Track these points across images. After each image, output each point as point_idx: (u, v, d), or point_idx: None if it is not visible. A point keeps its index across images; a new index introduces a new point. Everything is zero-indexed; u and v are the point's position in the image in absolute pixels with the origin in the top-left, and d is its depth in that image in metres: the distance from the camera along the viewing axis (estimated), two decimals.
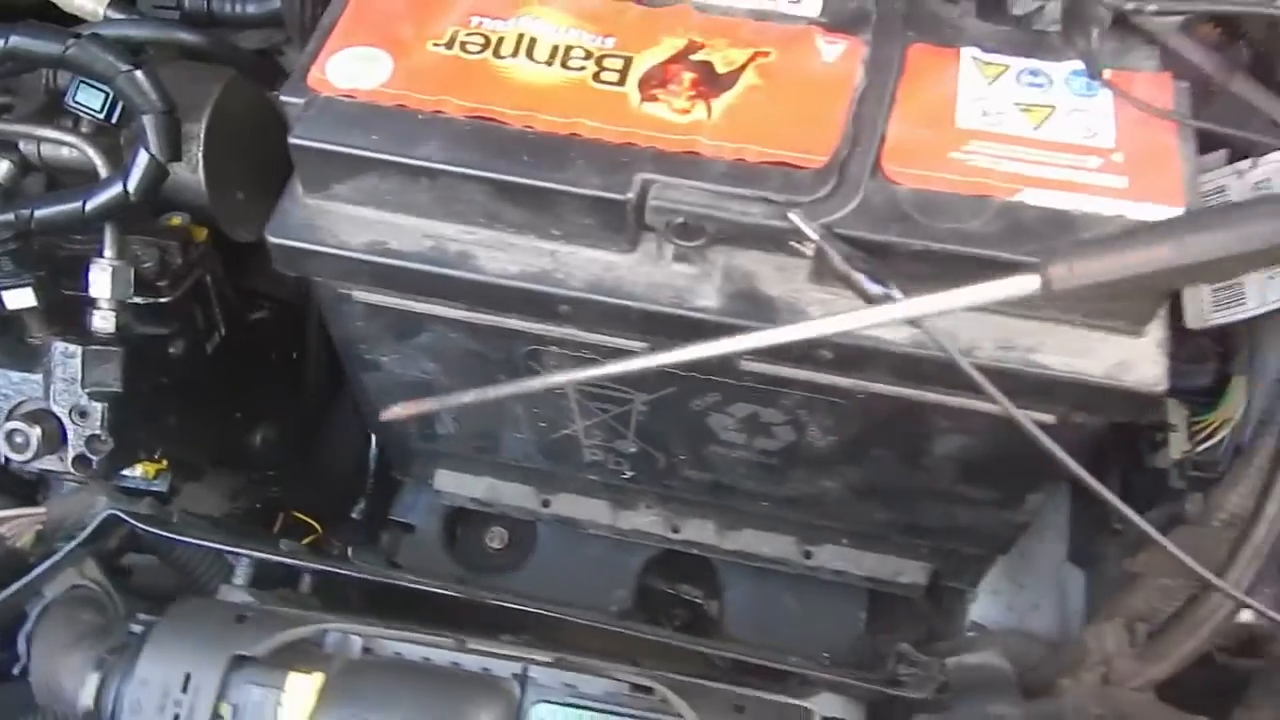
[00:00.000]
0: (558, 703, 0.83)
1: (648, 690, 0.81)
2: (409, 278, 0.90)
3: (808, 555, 1.23)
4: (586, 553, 1.36)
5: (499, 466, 1.23)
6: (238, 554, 0.95)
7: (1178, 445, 1.14)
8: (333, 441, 1.48)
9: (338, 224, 0.90)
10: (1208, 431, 1.13)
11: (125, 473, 1.15)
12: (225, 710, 0.79)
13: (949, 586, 1.29)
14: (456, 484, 1.27)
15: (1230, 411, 1.11)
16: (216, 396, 1.28)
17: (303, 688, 0.79)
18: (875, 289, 0.80)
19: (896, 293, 0.79)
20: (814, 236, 0.82)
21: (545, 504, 1.26)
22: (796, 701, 0.83)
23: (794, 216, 0.82)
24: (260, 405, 1.37)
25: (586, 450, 1.13)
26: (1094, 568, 1.29)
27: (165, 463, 1.19)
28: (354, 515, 1.42)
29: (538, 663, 0.83)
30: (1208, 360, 1.14)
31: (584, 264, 0.89)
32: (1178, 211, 0.82)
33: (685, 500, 1.21)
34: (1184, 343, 0.99)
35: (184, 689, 0.79)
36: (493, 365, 1.01)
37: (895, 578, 1.22)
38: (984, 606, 1.35)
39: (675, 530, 1.25)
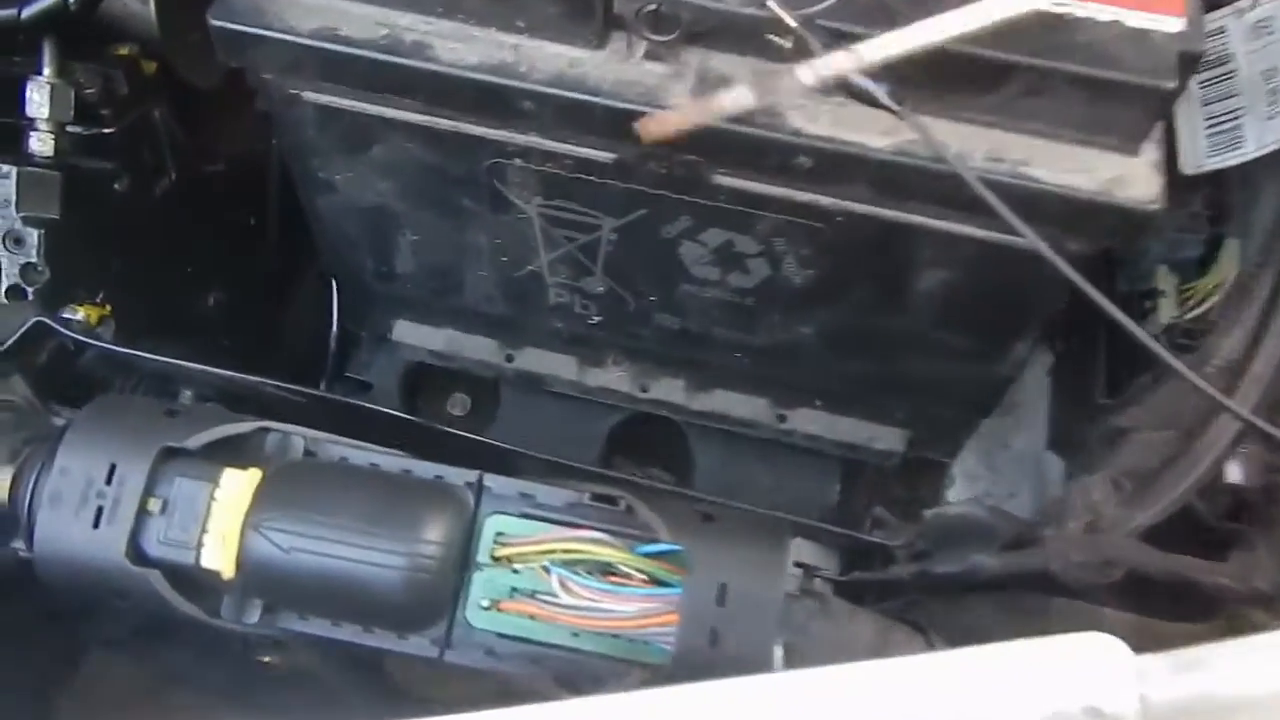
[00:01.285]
0: (513, 514, 0.78)
1: (612, 501, 0.76)
2: (361, 69, 0.83)
3: (781, 419, 1.18)
4: (551, 417, 1.30)
5: (461, 315, 1.18)
6: (182, 369, 0.89)
7: (1166, 311, 1.10)
8: (296, 315, 1.42)
9: (285, 8, 0.84)
10: (1197, 298, 1.09)
11: (66, 316, 1.09)
12: (153, 504, 0.73)
13: (926, 462, 1.25)
14: (416, 335, 1.21)
15: (1221, 276, 1.06)
16: (165, 247, 1.23)
17: (238, 483, 0.74)
18: (861, 83, 0.75)
19: (881, 86, 0.74)
20: (793, 25, 0.76)
21: (509, 359, 1.21)
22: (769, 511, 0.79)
23: (773, 4, 0.76)
24: (214, 266, 1.31)
25: (552, 291, 1.07)
26: (1074, 456, 1.25)
27: (109, 308, 1.14)
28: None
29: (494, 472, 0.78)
30: (1199, 229, 1.10)
31: (548, 59, 0.82)
32: (1178, 24, 0.77)
33: (654, 355, 1.16)
34: (1173, 210, 0.94)
35: (108, 480, 0.73)
36: (453, 184, 0.95)
37: (870, 443, 1.18)
38: (960, 492, 1.31)
39: (643, 390, 1.20)
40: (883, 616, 0.77)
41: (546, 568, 0.75)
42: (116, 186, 1.14)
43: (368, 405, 0.92)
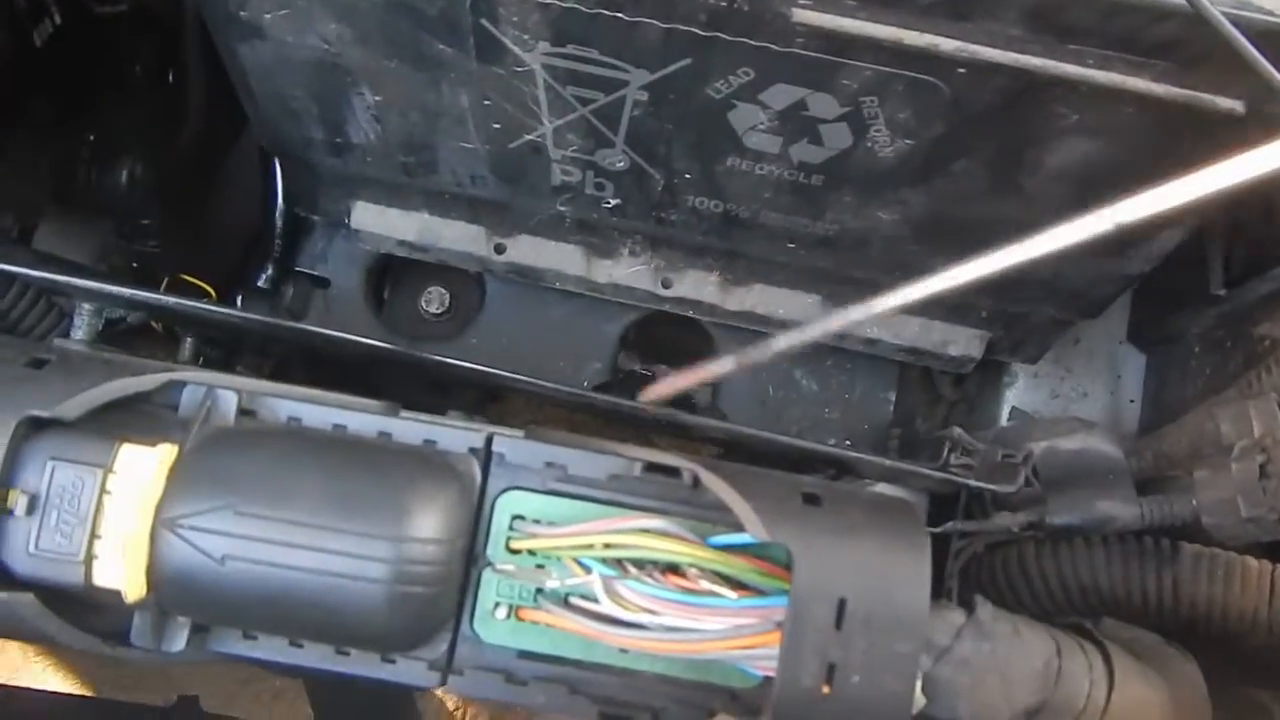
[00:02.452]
0: (536, 490, 0.56)
1: (672, 473, 0.55)
2: None
3: None
4: (549, 319, 1.08)
5: (436, 197, 0.93)
6: (73, 288, 0.64)
7: None
8: (231, 187, 1.16)
9: None
10: None
11: None
12: (16, 500, 0.51)
13: (991, 364, 1.05)
14: (380, 222, 0.97)
15: None
16: (55, 110, 0.99)
17: (142, 464, 0.51)
18: None
19: None
20: None
21: (498, 250, 0.97)
22: (891, 490, 0.58)
23: None
24: (122, 133, 1.07)
25: (557, 167, 0.84)
26: (1161, 350, 1.06)
27: None
28: (261, 284, 1.12)
29: (507, 435, 0.56)
30: None
31: None
32: None
33: (683, 244, 0.93)
34: None
35: None
36: (426, 25, 0.70)
37: (942, 349, 0.97)
38: (1024, 394, 1.11)
39: (666, 285, 0.97)
40: (1050, 629, 0.57)
41: (584, 564, 0.55)
42: None
43: (320, 330, 0.69)
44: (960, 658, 0.51)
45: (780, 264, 0.93)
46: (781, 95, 0.70)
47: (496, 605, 0.56)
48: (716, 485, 0.53)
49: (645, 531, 0.54)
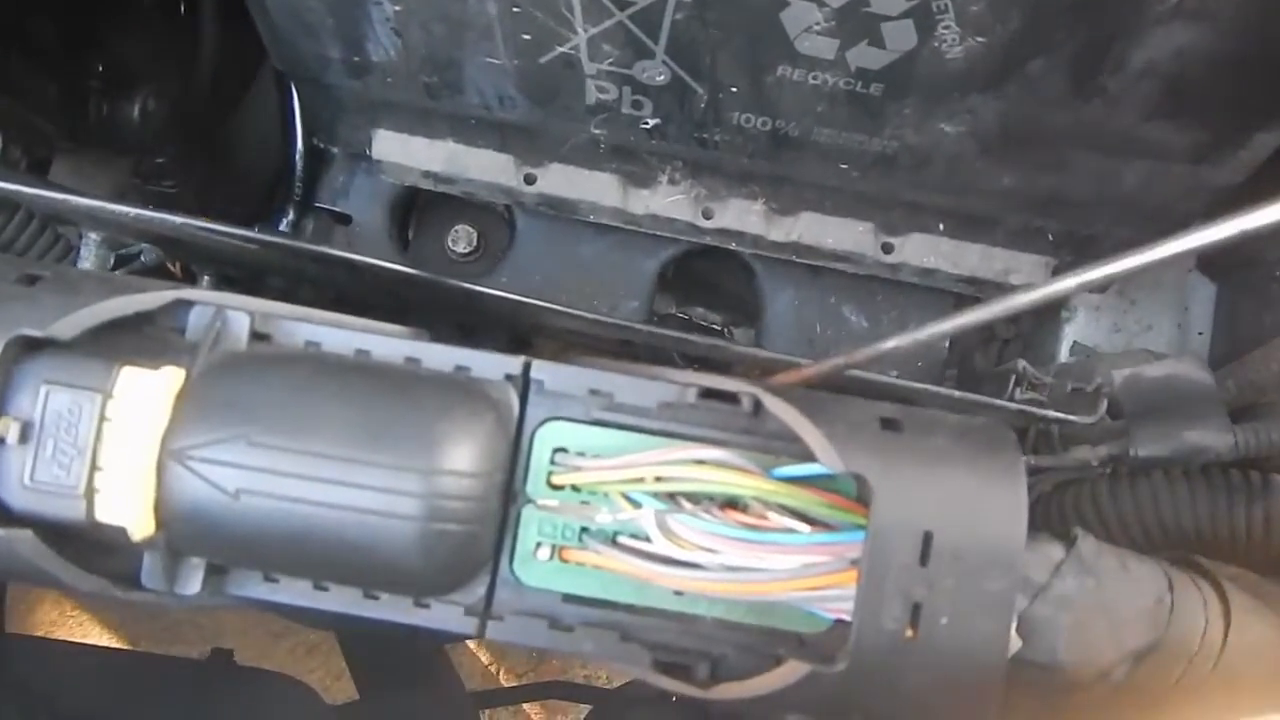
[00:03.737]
0: (579, 420, 0.51)
1: (730, 399, 0.49)
2: None
3: (887, 249, 0.91)
4: (582, 256, 1.02)
5: (462, 122, 0.88)
6: (79, 212, 0.59)
7: None
8: (249, 124, 1.11)
9: None
10: None
11: None
12: (8, 428, 0.46)
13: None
14: (403, 151, 0.92)
15: None
16: (60, 39, 0.95)
17: (146, 389, 0.46)
18: None
19: None
20: None
21: (529, 180, 0.91)
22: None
23: None
24: (135, 65, 1.02)
25: (591, 83, 0.78)
26: (1236, 277, 0.99)
27: None
28: (282, 228, 1.07)
29: (546, 361, 0.51)
30: None
31: None
32: None
33: (726, 170, 0.87)
34: None
35: None
36: None
37: (1004, 278, 0.91)
38: (1083, 328, 1.05)
39: (707, 216, 0.91)
40: (1160, 563, 0.51)
41: (634, 500, 0.49)
42: None
43: (343, 254, 0.64)
44: (1060, 595, 0.45)
45: (831, 189, 0.86)
46: None
47: (538, 545, 0.51)
48: (782, 410, 0.47)
49: (701, 463, 0.49)
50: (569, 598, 0.51)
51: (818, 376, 0.53)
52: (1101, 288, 0.94)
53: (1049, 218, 0.84)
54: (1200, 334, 1.04)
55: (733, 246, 0.94)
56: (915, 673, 0.43)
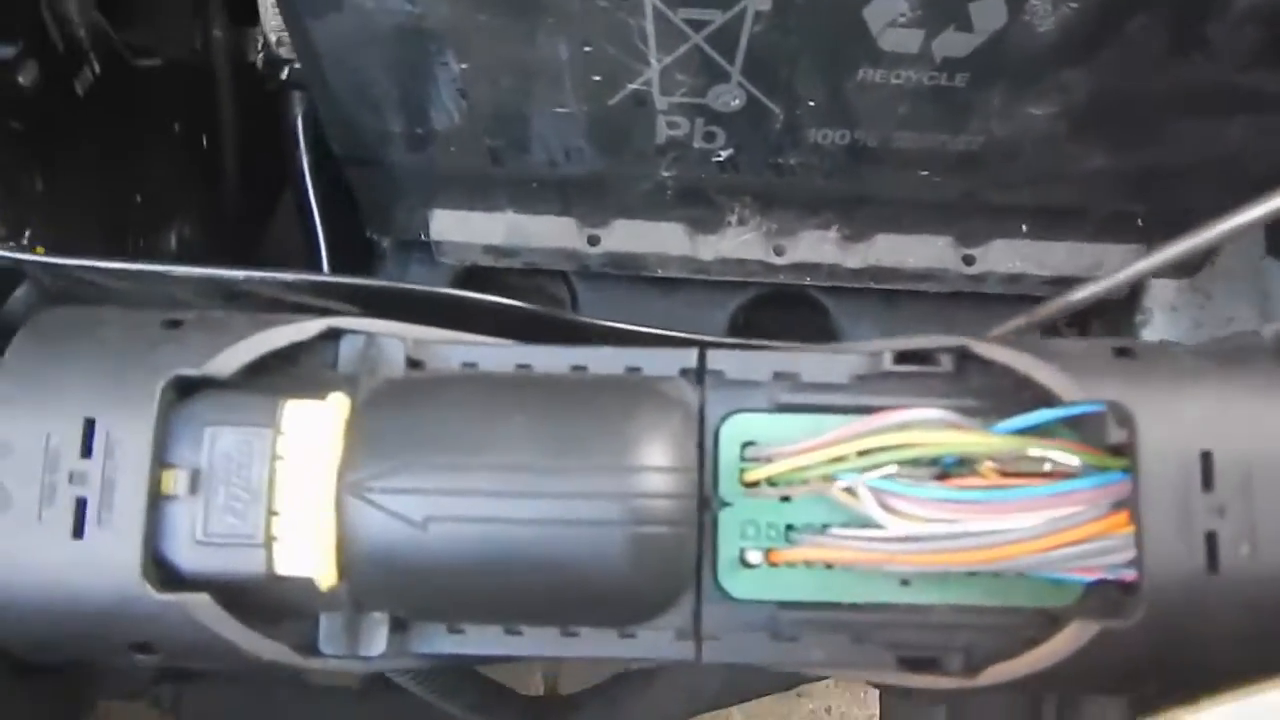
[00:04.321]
0: (764, 410, 0.47)
1: (928, 359, 0.46)
2: None
3: (969, 261, 0.89)
4: (648, 315, 0.99)
5: (523, 188, 0.86)
6: (155, 275, 0.55)
7: None
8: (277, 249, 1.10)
9: None
10: None
11: None
12: (173, 480, 0.42)
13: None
14: (462, 228, 0.89)
15: None
16: (101, 165, 0.92)
17: (316, 420, 0.42)
18: None
19: None
20: None
21: (592, 241, 0.89)
22: None
23: None
24: (169, 191, 1.00)
25: (663, 119, 0.76)
26: None
27: (40, 250, 0.82)
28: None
29: (724, 345, 0.47)
30: None
31: None
32: None
33: (797, 199, 0.85)
34: None
35: (85, 450, 0.41)
36: None
37: (1093, 273, 0.88)
38: (1160, 328, 1.02)
39: (779, 252, 0.89)
40: None
41: (848, 485, 0.45)
42: (21, 80, 0.83)
43: (449, 291, 0.61)
44: None
45: (907, 203, 0.85)
46: None
47: (742, 552, 0.47)
48: (1000, 354, 0.44)
49: (914, 424, 0.45)
50: (785, 604, 0.46)
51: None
52: (1191, 268, 0.92)
53: (1140, 199, 0.83)
54: None
55: (807, 281, 0.92)
56: (1223, 613, 0.38)
